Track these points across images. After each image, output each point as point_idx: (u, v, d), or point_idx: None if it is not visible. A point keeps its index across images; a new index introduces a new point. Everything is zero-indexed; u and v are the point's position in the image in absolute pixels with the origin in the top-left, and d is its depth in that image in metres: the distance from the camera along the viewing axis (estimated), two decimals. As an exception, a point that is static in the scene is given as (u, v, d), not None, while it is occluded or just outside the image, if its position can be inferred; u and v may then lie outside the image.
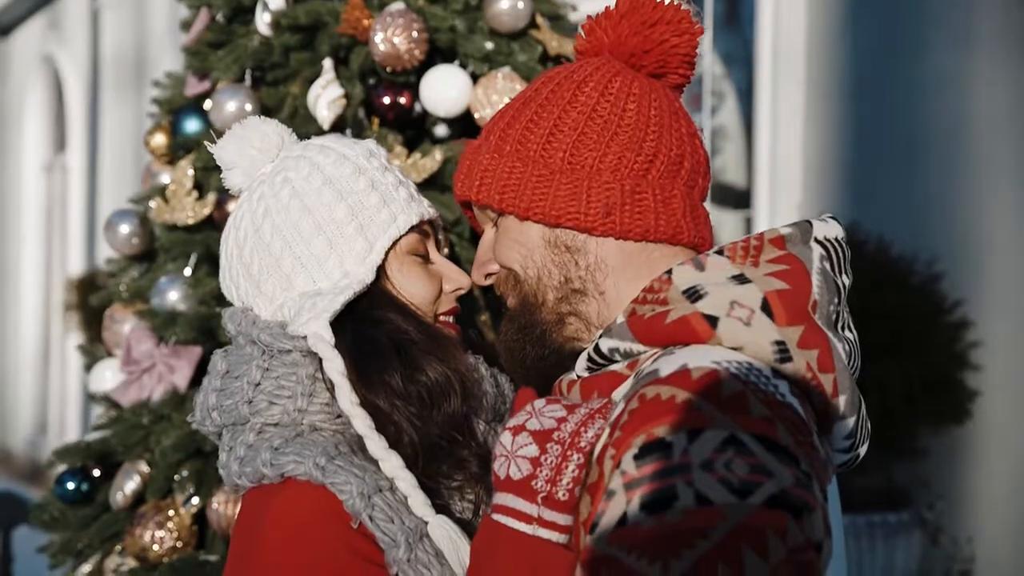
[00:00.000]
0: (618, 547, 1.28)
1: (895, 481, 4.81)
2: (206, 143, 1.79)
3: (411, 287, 1.70)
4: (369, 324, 1.64)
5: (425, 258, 1.74)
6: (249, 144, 1.72)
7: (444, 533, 1.56)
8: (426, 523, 1.57)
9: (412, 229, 1.71)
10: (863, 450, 1.56)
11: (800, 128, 5.59)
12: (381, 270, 1.68)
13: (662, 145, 1.57)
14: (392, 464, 1.57)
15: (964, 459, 4.88)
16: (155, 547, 2.47)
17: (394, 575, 1.53)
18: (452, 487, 1.65)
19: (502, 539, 1.42)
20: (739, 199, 6.22)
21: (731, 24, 6.46)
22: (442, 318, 1.75)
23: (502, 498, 1.43)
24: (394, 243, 1.69)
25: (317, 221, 1.66)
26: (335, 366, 1.58)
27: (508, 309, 1.63)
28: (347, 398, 1.58)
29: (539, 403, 1.46)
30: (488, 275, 1.66)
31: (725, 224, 6.22)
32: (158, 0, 10.33)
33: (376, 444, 1.57)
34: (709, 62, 6.40)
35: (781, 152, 5.63)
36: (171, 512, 2.49)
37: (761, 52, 5.77)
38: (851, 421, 1.47)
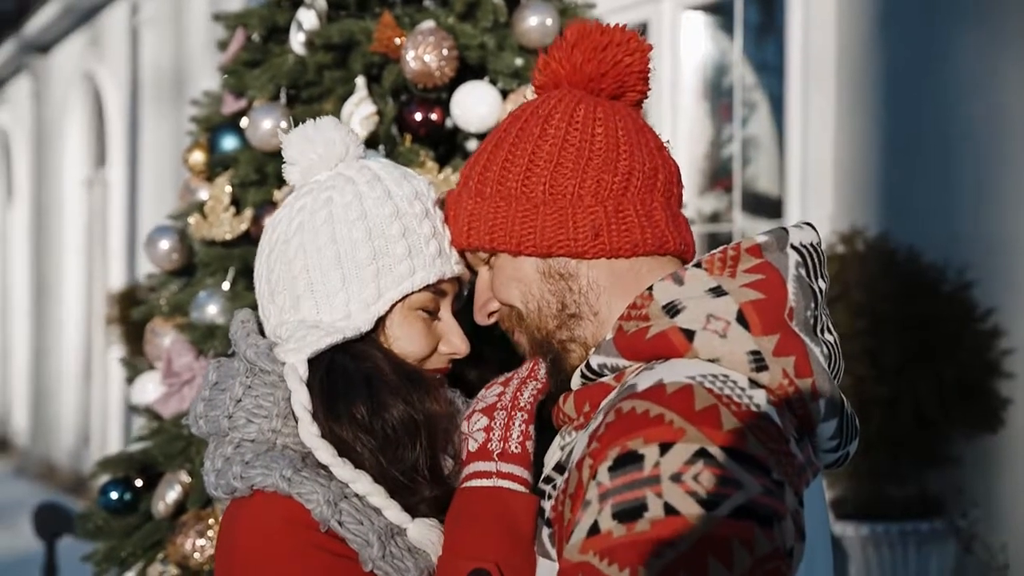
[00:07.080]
0: (591, 553, 1.34)
1: (929, 489, 4.80)
2: (279, 131, 1.82)
3: (405, 341, 1.70)
4: (349, 356, 1.65)
5: (433, 314, 1.74)
6: (312, 148, 1.73)
7: (425, 532, 1.60)
8: (404, 528, 1.60)
9: (428, 287, 1.71)
10: (853, 448, 1.60)
11: (831, 137, 5.59)
12: (381, 319, 1.69)
13: (635, 161, 1.62)
14: (363, 483, 1.60)
15: (997, 466, 4.86)
16: (196, 555, 2.51)
17: (369, 572, 1.56)
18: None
19: (468, 499, 1.55)
20: (773, 209, 6.23)
21: (765, 34, 6.46)
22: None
23: (466, 470, 1.58)
24: (404, 297, 1.69)
25: (339, 254, 1.67)
26: (299, 399, 1.61)
27: (521, 347, 1.69)
28: (307, 431, 1.61)
29: (482, 391, 1.63)
30: (490, 314, 1.71)
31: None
32: (197, 18, 10.45)
33: (342, 469, 1.59)
34: (740, 73, 6.42)
35: (812, 162, 5.63)
36: (211, 521, 2.54)
37: (791, 61, 5.77)
38: (834, 422, 1.51)
